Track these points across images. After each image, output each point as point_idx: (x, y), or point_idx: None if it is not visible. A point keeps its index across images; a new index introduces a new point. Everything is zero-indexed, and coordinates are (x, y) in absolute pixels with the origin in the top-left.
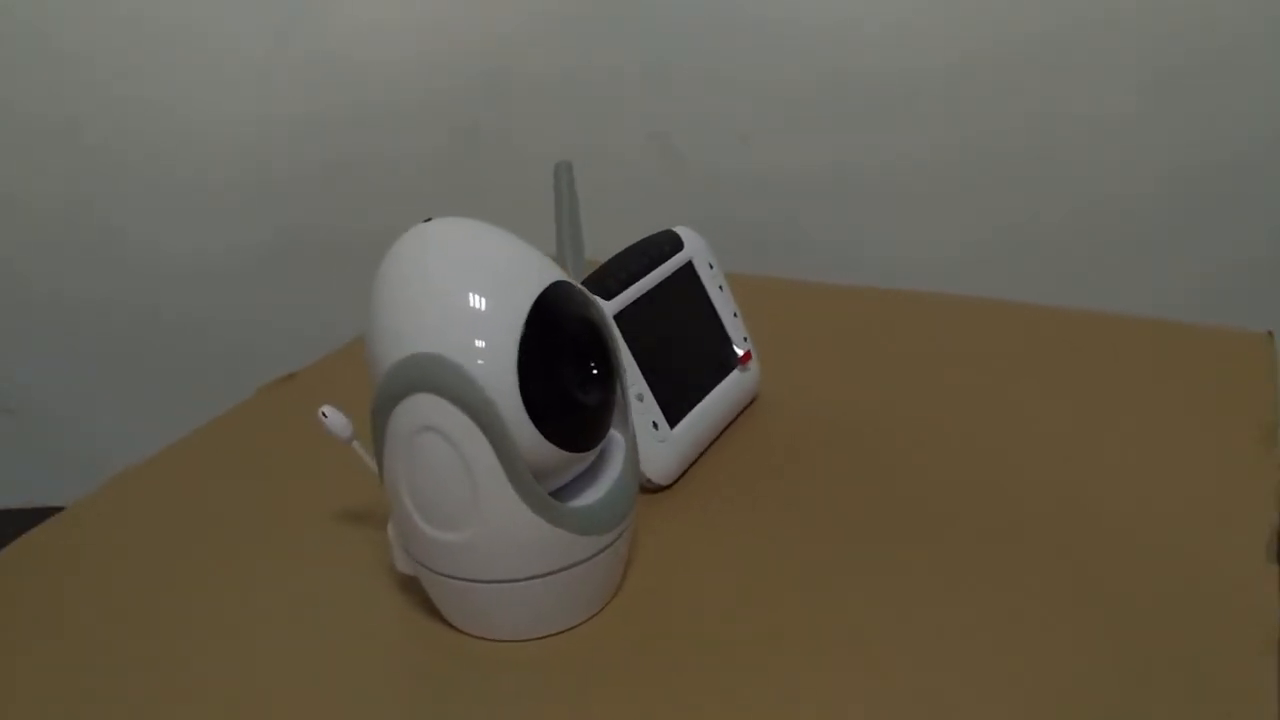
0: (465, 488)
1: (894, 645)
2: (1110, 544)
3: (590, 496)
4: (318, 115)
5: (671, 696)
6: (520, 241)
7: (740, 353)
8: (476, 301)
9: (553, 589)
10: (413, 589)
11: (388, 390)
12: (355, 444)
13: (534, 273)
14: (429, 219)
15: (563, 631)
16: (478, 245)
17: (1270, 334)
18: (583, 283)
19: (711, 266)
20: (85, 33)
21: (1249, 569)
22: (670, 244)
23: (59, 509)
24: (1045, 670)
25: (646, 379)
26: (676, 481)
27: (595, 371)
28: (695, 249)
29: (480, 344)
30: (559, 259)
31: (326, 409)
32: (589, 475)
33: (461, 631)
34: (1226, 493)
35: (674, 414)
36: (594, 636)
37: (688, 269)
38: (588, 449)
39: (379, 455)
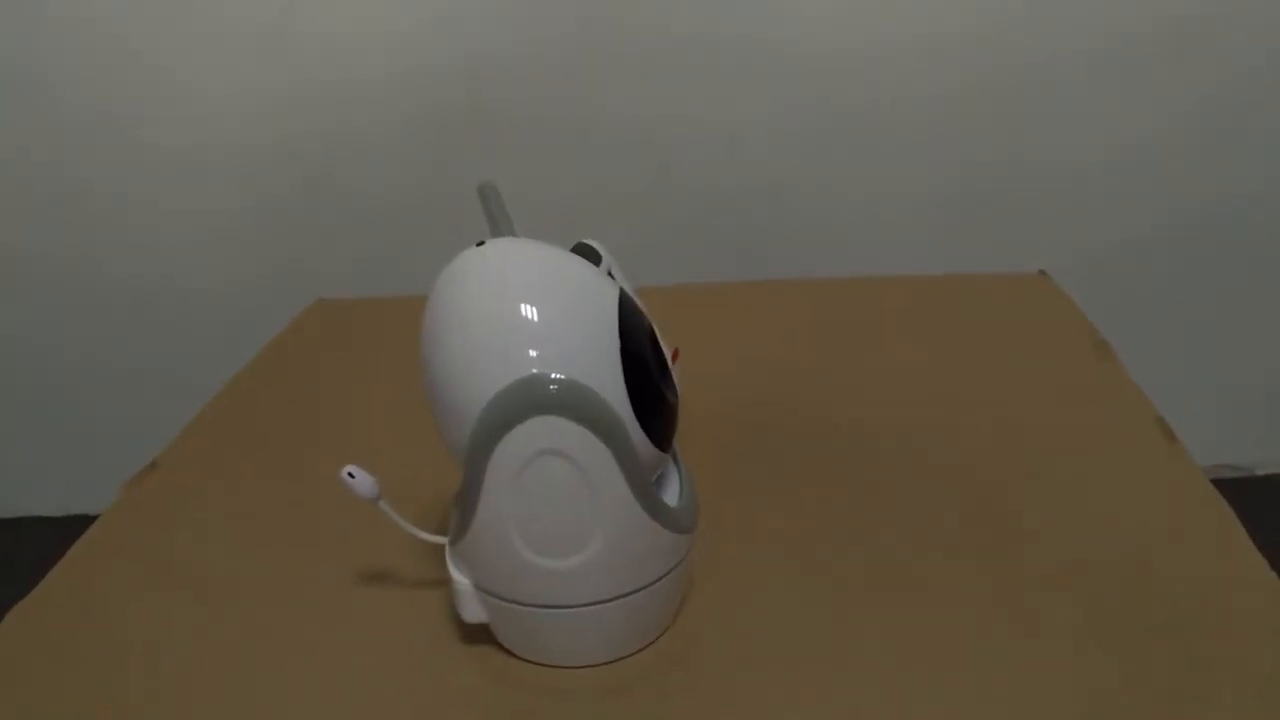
0: (585, 508)
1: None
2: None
3: (669, 494)
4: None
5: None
6: (572, 254)
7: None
8: (574, 318)
9: (655, 596)
10: (471, 639)
11: (495, 419)
12: (382, 503)
13: (601, 283)
14: (481, 243)
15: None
16: (546, 263)
17: (1043, 271)
18: None
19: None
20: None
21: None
22: (592, 256)
23: None
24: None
25: None
26: None
27: (665, 368)
28: (609, 261)
29: (588, 359)
30: None
31: (352, 469)
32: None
33: (542, 665)
34: (1095, 407)
35: None
36: (649, 655)
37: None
38: (670, 446)
39: (471, 494)
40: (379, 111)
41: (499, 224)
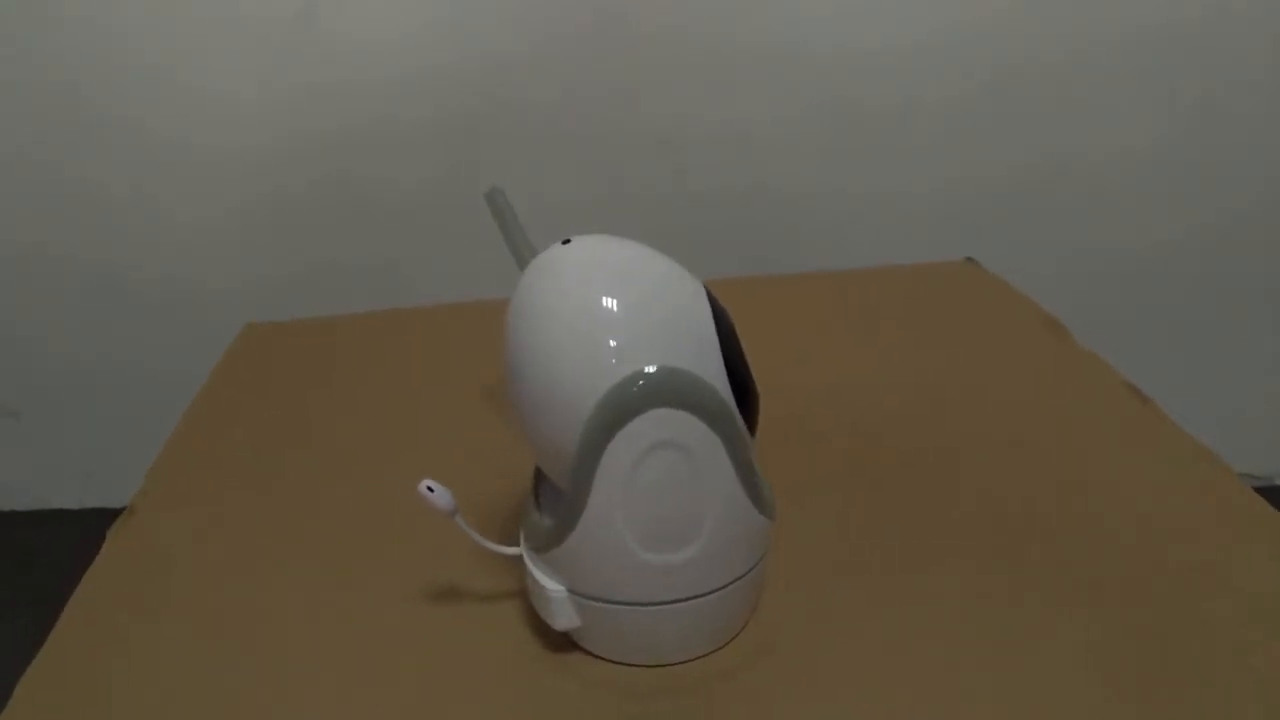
0: (696, 499)
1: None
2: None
3: None
4: (315, 136)
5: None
6: (651, 248)
7: None
8: (675, 309)
9: (750, 585)
10: (556, 647)
11: (610, 413)
12: (458, 518)
13: (685, 273)
14: (567, 240)
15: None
16: (636, 258)
17: (970, 258)
18: None
19: None
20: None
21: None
22: None
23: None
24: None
25: None
26: None
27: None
28: None
29: (692, 349)
30: None
31: (430, 483)
32: None
33: (634, 665)
34: (1068, 382)
35: None
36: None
37: None
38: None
39: (577, 496)
40: (394, 112)
41: (510, 229)
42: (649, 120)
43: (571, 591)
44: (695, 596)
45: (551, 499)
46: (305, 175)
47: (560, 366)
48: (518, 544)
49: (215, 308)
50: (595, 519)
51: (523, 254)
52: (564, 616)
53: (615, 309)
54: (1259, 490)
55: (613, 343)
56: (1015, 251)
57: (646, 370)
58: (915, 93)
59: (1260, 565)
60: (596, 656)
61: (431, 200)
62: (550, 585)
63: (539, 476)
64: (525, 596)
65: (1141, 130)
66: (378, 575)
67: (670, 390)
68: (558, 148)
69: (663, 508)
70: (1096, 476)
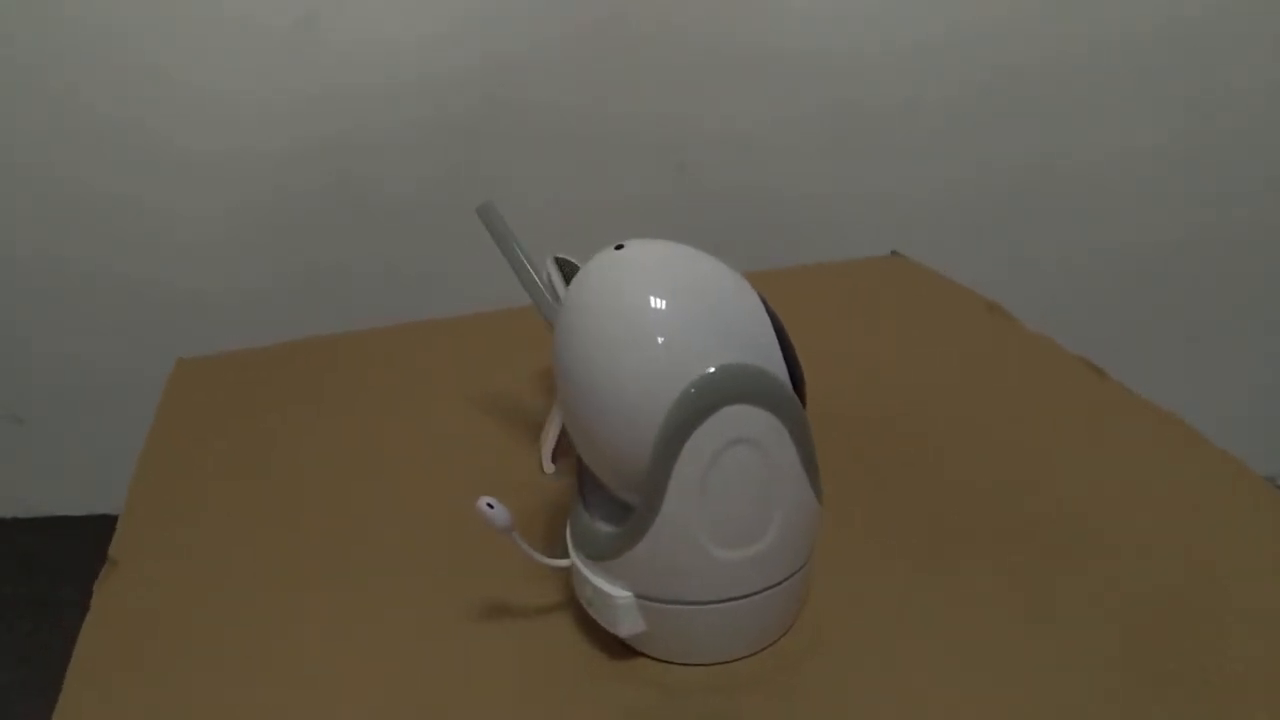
0: (766, 493)
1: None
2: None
3: None
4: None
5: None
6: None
7: None
8: (737, 308)
9: (807, 576)
10: (618, 655)
11: (689, 411)
12: (514, 535)
13: (737, 273)
14: (620, 246)
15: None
16: (691, 260)
17: (895, 251)
18: None
19: None
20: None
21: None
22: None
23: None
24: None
25: None
26: None
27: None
28: None
29: (755, 345)
30: (534, 297)
31: (490, 500)
32: None
33: (698, 665)
34: (1025, 363)
35: None
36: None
37: None
38: None
39: (652, 498)
40: (396, 116)
41: (505, 242)
42: (649, 121)
43: (639, 596)
44: (765, 589)
45: (606, 506)
46: (306, 178)
47: (626, 372)
48: (556, 555)
49: (217, 311)
50: (670, 521)
51: (520, 264)
52: (629, 622)
53: (681, 310)
54: None
55: (680, 344)
56: (1016, 251)
57: (714, 369)
58: (915, 93)
59: (1242, 516)
60: (655, 659)
61: (433, 203)
62: (616, 592)
63: (587, 486)
64: (568, 608)
65: (1141, 130)
66: (398, 607)
67: (742, 386)
68: (558, 149)
69: (737, 505)
70: (1066, 453)
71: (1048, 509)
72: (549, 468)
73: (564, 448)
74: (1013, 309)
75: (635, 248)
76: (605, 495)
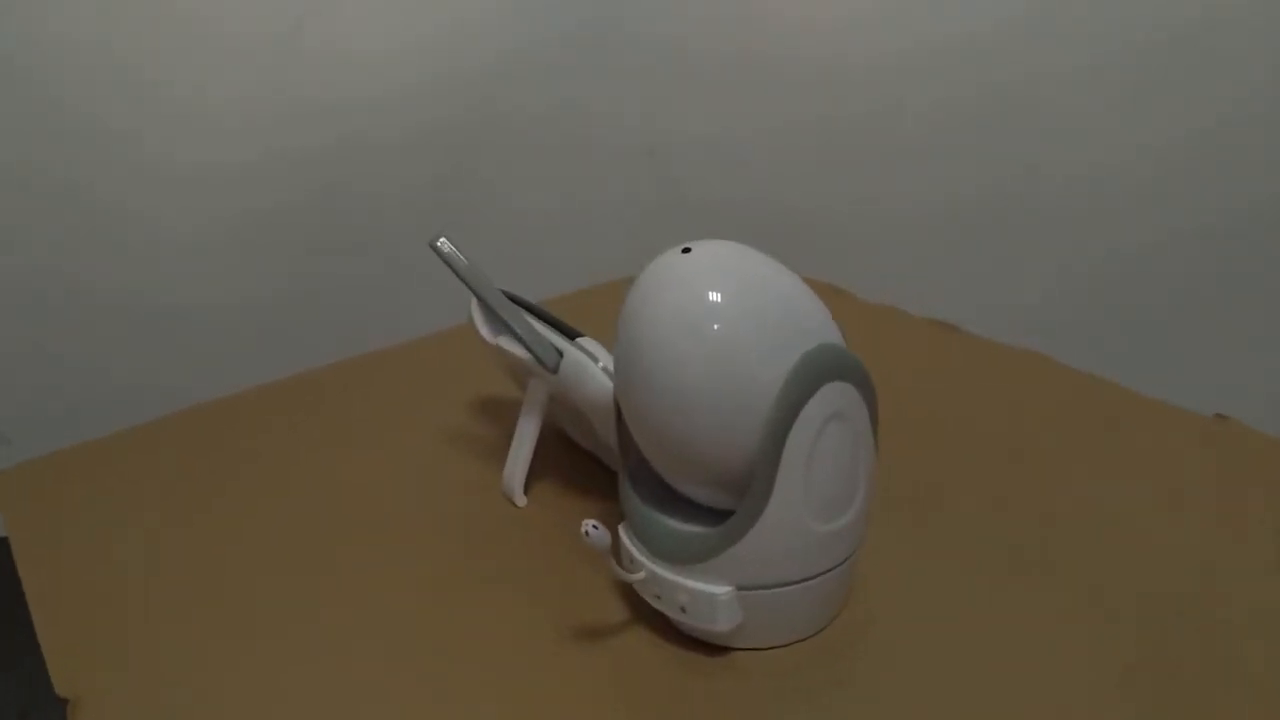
0: (854, 463)
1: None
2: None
3: None
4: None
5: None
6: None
7: None
8: (806, 297)
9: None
10: (710, 651)
11: (798, 388)
12: (609, 559)
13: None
14: (687, 249)
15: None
16: (753, 255)
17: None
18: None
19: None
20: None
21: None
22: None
23: None
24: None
25: None
26: None
27: None
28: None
29: (827, 326)
30: (524, 336)
31: (594, 522)
32: None
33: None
34: (999, 372)
35: None
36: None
37: None
38: None
39: (762, 482)
40: (383, 125)
41: (465, 273)
42: (636, 131)
43: (740, 588)
44: (847, 558)
45: (684, 512)
46: (294, 189)
47: (723, 372)
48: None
49: (205, 325)
50: (782, 504)
51: (483, 290)
52: (728, 616)
53: (767, 302)
54: None
55: (772, 334)
56: (1010, 257)
57: (820, 348)
58: (908, 99)
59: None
60: (737, 649)
61: (421, 212)
62: (717, 589)
63: (662, 496)
64: (556, 638)
65: (1141, 132)
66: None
67: (833, 365)
68: (544, 159)
69: (834, 478)
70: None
71: (1070, 510)
72: (521, 501)
73: (533, 477)
74: (999, 317)
75: (702, 249)
76: (679, 503)
